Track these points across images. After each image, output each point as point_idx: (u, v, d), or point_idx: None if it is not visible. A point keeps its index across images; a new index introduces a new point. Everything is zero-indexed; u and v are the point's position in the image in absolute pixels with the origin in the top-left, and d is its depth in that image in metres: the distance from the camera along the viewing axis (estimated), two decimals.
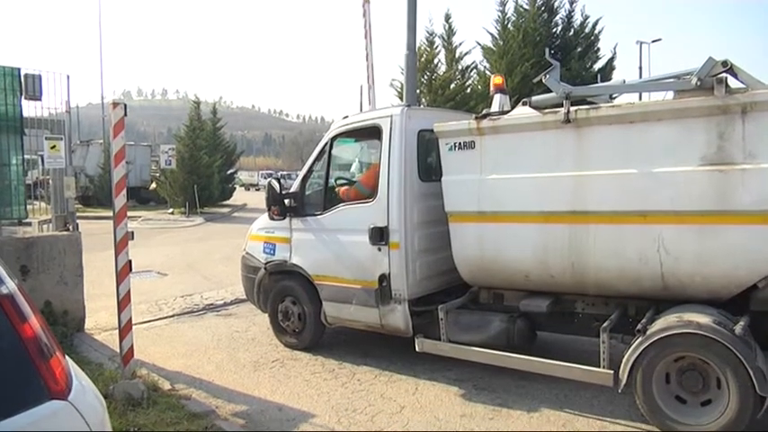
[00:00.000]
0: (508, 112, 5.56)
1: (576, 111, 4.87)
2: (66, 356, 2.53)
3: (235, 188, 35.45)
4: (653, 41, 35.84)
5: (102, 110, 33.13)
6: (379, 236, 5.81)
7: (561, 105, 4.99)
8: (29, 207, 7.95)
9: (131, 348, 5.26)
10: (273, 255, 6.87)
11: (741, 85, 4.44)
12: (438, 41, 15.82)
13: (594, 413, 4.92)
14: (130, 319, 5.29)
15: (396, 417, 4.96)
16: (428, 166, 6.16)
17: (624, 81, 6.29)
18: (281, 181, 6.96)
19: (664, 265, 4.62)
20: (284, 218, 6.70)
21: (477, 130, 5.41)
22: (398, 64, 12.98)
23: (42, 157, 7.48)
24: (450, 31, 15.80)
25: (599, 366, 4.76)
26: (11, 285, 2.32)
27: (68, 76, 7.64)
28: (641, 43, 35.06)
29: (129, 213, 5.53)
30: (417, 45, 11.66)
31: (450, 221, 5.70)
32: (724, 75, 4.36)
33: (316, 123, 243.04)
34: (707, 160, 4.35)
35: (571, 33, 15.49)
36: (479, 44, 15.97)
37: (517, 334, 5.49)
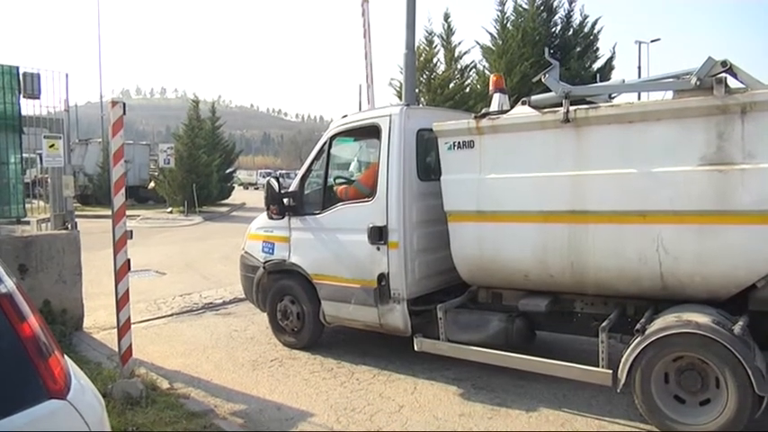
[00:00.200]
0: (507, 111, 5.56)
1: (575, 110, 4.87)
2: (65, 355, 2.53)
3: (233, 187, 35.46)
4: (652, 41, 35.99)
5: (101, 108, 33.12)
6: (378, 235, 5.80)
7: (560, 105, 4.99)
8: (27, 206, 7.95)
9: (130, 347, 5.25)
10: (272, 254, 6.87)
11: (740, 85, 4.44)
12: (437, 41, 15.85)
13: (593, 413, 4.92)
14: (129, 318, 5.28)
15: (394, 416, 4.96)
16: (427, 165, 6.16)
17: (623, 81, 6.29)
18: (280, 180, 6.95)
19: (663, 265, 4.62)
20: (283, 217, 6.70)
21: (476, 129, 5.41)
22: (397, 63, 13.01)
23: (41, 155, 7.47)
24: (450, 31, 15.82)
25: (598, 366, 4.76)
26: (9, 284, 2.32)
27: (67, 75, 7.64)
28: (640, 43, 35.19)
29: (128, 212, 5.52)
30: (416, 44, 11.65)
31: (450, 221, 5.70)
32: (723, 75, 4.37)
33: (314, 122, 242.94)
34: (706, 160, 4.35)
35: (570, 33, 15.49)
36: (478, 43, 15.99)
37: (516, 333, 5.49)
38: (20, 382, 2.16)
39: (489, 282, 5.79)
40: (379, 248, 5.85)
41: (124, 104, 5.25)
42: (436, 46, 15.80)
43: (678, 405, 4.40)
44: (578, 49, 15.26)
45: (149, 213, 25.38)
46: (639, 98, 7.51)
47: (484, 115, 5.50)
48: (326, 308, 6.40)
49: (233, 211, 28.50)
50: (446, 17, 15.88)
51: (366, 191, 6.19)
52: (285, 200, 6.68)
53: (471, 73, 16.06)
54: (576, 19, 15.57)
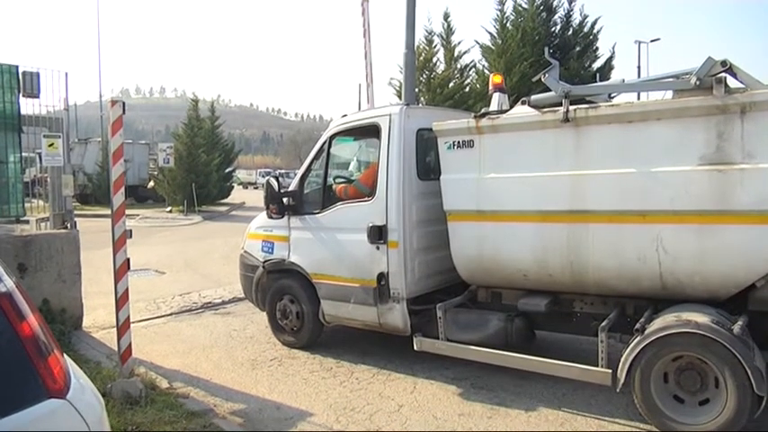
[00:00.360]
0: (507, 111, 5.56)
1: (575, 110, 4.87)
2: (65, 355, 2.52)
3: (233, 186, 35.43)
4: (651, 41, 36.00)
5: (101, 108, 33.11)
6: (378, 234, 5.80)
7: (560, 104, 4.99)
8: (27, 205, 7.95)
9: (129, 347, 5.24)
10: (272, 253, 6.87)
11: (740, 85, 4.45)
12: (437, 40, 15.85)
13: (592, 412, 4.92)
14: (128, 317, 5.28)
15: (394, 415, 4.97)
16: (427, 164, 6.16)
17: (623, 80, 6.29)
18: (280, 179, 6.95)
19: (662, 265, 4.62)
20: (282, 216, 6.69)
21: (476, 129, 5.41)
22: (397, 63, 13.00)
23: (40, 154, 7.45)
24: (449, 30, 15.81)
25: (597, 366, 4.77)
26: (9, 283, 2.32)
27: (67, 74, 7.63)
28: (640, 43, 35.18)
29: (127, 211, 5.53)
30: (416, 44, 11.65)
31: (449, 220, 5.70)
32: (723, 74, 4.37)
33: (314, 122, 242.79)
34: (706, 160, 4.36)
35: (570, 33, 15.49)
36: (478, 43, 15.98)
37: (515, 333, 5.49)
38: (19, 381, 2.16)
39: (489, 281, 5.79)
40: (378, 248, 5.85)
41: (123, 104, 5.25)
42: (436, 45, 15.81)
43: (677, 405, 4.40)
44: (578, 48, 15.27)
45: (149, 212, 25.36)
46: (639, 98, 7.52)
47: (483, 115, 5.50)
48: (326, 307, 6.40)
49: (232, 211, 28.49)
50: (446, 17, 15.89)
51: (366, 190, 6.19)
52: (285, 199, 6.68)
53: (471, 72, 16.07)
54: (576, 19, 15.59)
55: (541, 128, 5.11)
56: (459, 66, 15.87)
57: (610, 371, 4.66)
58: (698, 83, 4.40)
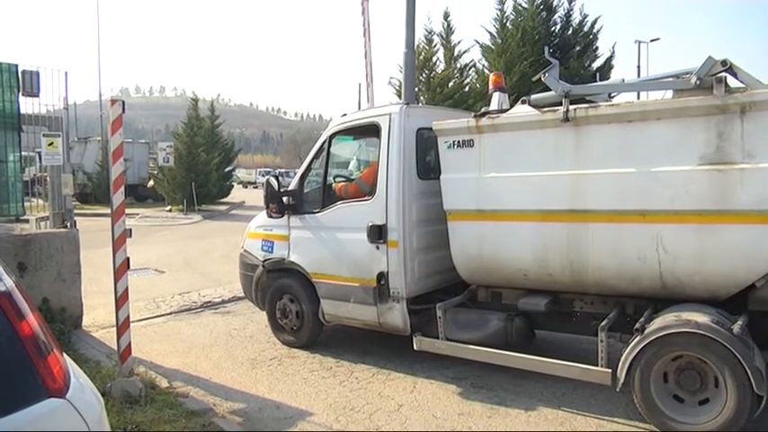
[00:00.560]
0: (507, 110, 5.55)
1: (575, 109, 4.87)
2: (64, 354, 2.52)
3: (233, 186, 35.42)
4: (651, 41, 35.99)
5: (100, 107, 33.07)
6: (378, 234, 5.80)
7: (560, 104, 4.99)
8: (26, 204, 7.95)
9: (129, 346, 5.24)
10: (271, 252, 6.87)
11: (740, 85, 4.44)
12: (437, 39, 15.82)
13: (592, 412, 4.92)
14: (128, 316, 5.28)
15: (394, 415, 4.96)
16: (427, 164, 6.16)
17: (623, 80, 6.28)
18: (280, 179, 6.95)
19: (662, 265, 4.62)
20: (282, 215, 6.69)
21: (475, 128, 5.41)
22: (397, 62, 12.99)
23: (40, 153, 7.45)
24: (449, 30, 15.79)
25: (597, 365, 4.77)
26: (8, 283, 2.32)
27: (66, 73, 7.63)
28: (639, 42, 35.17)
29: (127, 211, 5.52)
30: (416, 43, 11.64)
31: (449, 220, 5.70)
32: (723, 74, 4.37)
33: (314, 121, 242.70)
34: (706, 160, 4.36)
35: (570, 32, 15.48)
36: (478, 42, 15.96)
37: (515, 332, 5.49)
38: (19, 380, 2.16)
39: (489, 281, 5.79)
40: (378, 247, 5.85)
41: (123, 103, 5.24)
42: (436, 45, 15.79)
43: (677, 404, 4.40)
44: (578, 48, 15.25)
45: (148, 212, 25.36)
46: (639, 97, 7.53)
47: (483, 114, 5.50)
48: (326, 306, 6.40)
49: (232, 210, 28.48)
50: (446, 16, 15.87)
51: (367, 188, 6.18)
52: (284, 198, 6.67)
53: (471, 72, 16.04)
54: (576, 18, 15.57)
55: (541, 127, 5.10)
56: (458, 65, 15.86)
57: (609, 370, 4.67)
58: (698, 82, 4.40)
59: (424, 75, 15.30)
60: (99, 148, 30.06)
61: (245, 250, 7.31)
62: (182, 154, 26.51)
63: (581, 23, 15.51)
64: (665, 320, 4.43)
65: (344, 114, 6.71)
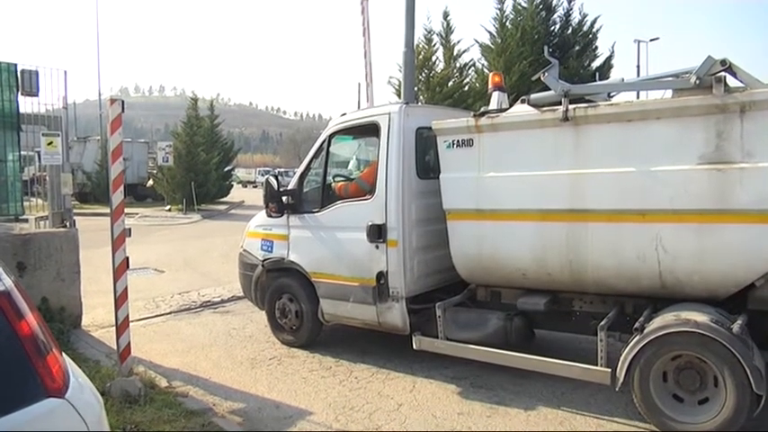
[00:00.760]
0: (506, 109, 5.55)
1: (574, 109, 4.87)
2: (63, 354, 2.52)
3: (232, 185, 35.40)
4: (651, 40, 35.94)
5: (100, 106, 33.04)
6: (377, 233, 5.80)
7: (560, 103, 4.98)
8: (26, 203, 7.94)
9: (128, 345, 5.24)
10: (271, 252, 6.86)
11: (740, 84, 4.44)
12: (436, 39, 15.81)
13: (592, 411, 4.92)
14: (127, 316, 5.28)
15: (393, 414, 4.96)
16: (426, 163, 6.15)
17: (622, 79, 6.28)
18: (279, 178, 6.94)
19: (662, 264, 4.62)
20: (282, 215, 6.68)
21: (475, 127, 5.40)
22: (396, 61, 12.97)
23: (39, 153, 7.44)
24: (449, 29, 15.78)
25: (596, 365, 4.76)
26: (8, 282, 2.32)
27: (66, 72, 7.62)
28: (639, 42, 35.13)
29: (127, 210, 5.52)
30: (415, 42, 11.63)
31: (448, 219, 5.70)
32: (723, 74, 4.37)
33: (313, 121, 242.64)
34: (705, 159, 4.36)
35: (569, 31, 15.48)
36: (477, 42, 15.96)
37: (515, 332, 5.49)
38: (18, 380, 2.16)
39: (488, 280, 5.79)
40: (377, 247, 5.85)
41: (123, 102, 5.24)
42: (435, 44, 15.78)
43: (677, 404, 4.40)
44: (577, 47, 15.26)
45: (148, 211, 25.36)
46: (638, 97, 7.52)
47: (483, 114, 5.50)
48: (325, 306, 6.40)
49: (231, 209, 28.48)
50: (445, 15, 15.86)
51: (367, 187, 6.17)
52: (284, 198, 6.67)
53: (470, 71, 16.03)
54: (575, 18, 15.58)
55: (541, 127, 5.10)
56: (458, 64, 15.85)
57: (609, 370, 4.66)
58: (697, 82, 4.40)
59: (423, 74, 15.29)
60: (98, 148, 30.06)
61: (244, 250, 7.31)
62: (181, 153, 26.50)
63: (580, 23, 15.52)
64: (665, 320, 4.43)
65: (344, 114, 6.71)
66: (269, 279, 6.97)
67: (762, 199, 4.20)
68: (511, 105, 5.77)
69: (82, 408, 2.25)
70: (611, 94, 6.00)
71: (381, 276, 5.84)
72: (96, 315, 7.88)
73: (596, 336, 4.78)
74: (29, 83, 7.14)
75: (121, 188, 5.17)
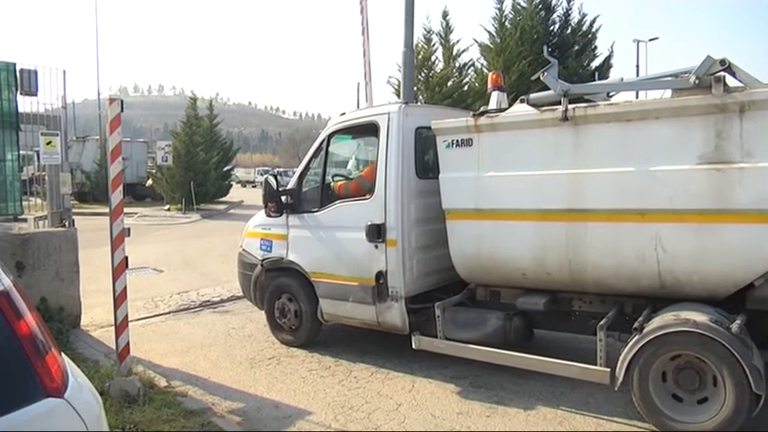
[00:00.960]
0: (506, 109, 5.56)
1: (573, 108, 4.87)
2: (62, 353, 2.52)
3: (231, 185, 35.38)
4: (650, 40, 35.93)
5: (99, 106, 33.02)
6: (377, 233, 5.80)
7: (559, 103, 4.99)
8: (24, 203, 7.94)
9: (127, 345, 5.24)
10: (270, 252, 6.86)
11: (739, 84, 4.44)
12: (435, 39, 15.80)
13: (591, 411, 4.92)
14: (126, 315, 5.28)
15: (392, 414, 4.96)
16: (425, 163, 6.15)
17: (622, 79, 6.29)
18: (278, 178, 6.94)
19: (661, 264, 4.62)
20: (281, 215, 6.68)
21: (474, 127, 5.40)
22: (396, 61, 12.97)
23: (38, 152, 7.44)
24: (448, 29, 15.77)
25: (596, 364, 4.77)
26: (6, 282, 2.31)
27: (65, 72, 7.62)
28: (638, 42, 35.14)
29: (126, 210, 5.52)
30: (415, 42, 11.61)
31: (448, 219, 5.70)
32: (722, 73, 4.37)
33: (312, 120, 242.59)
34: (705, 159, 4.36)
35: (568, 31, 15.46)
36: (477, 41, 15.95)
37: (514, 331, 5.49)
38: (17, 380, 2.16)
39: (487, 280, 5.79)
40: (377, 246, 5.84)
41: (122, 102, 5.24)
42: (434, 44, 15.77)
43: (676, 403, 4.40)
44: (576, 47, 15.23)
45: (147, 211, 25.37)
46: (638, 97, 7.52)
47: (482, 113, 5.50)
48: (324, 306, 6.40)
49: (231, 209, 28.47)
50: (444, 15, 15.84)
51: (368, 185, 6.17)
52: (283, 197, 6.66)
53: (469, 71, 16.01)
54: (575, 17, 15.54)
55: (540, 126, 5.10)
56: (457, 64, 15.83)
57: (608, 369, 4.67)
58: (697, 82, 4.40)
59: (422, 74, 15.28)
60: (97, 147, 30.07)
61: (243, 249, 7.30)
62: (180, 153, 26.48)
63: (580, 23, 15.49)
64: (664, 320, 4.43)
65: (343, 113, 6.71)
66: (268, 279, 6.97)
67: (761, 199, 4.20)
68: (510, 105, 5.77)
69: (81, 407, 2.25)
70: (611, 94, 6.00)
71: (380, 276, 5.84)
72: (95, 315, 7.88)
73: (595, 335, 4.78)
74: (28, 82, 7.14)
75: (120, 188, 5.17)
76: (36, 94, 7.30)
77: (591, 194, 4.87)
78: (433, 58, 15.68)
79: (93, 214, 21.19)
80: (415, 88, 12.53)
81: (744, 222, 4.29)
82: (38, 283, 6.82)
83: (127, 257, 5.20)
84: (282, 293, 6.79)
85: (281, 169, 46.46)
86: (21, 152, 7.64)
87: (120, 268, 5.17)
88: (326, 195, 6.53)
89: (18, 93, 7.18)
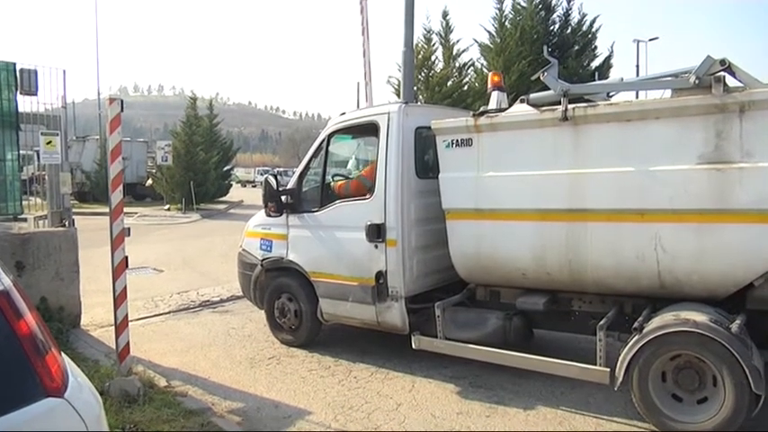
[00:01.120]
0: (505, 109, 5.56)
1: (573, 108, 4.87)
2: (62, 353, 2.52)
3: (231, 185, 35.37)
4: (650, 40, 35.92)
5: (99, 106, 33.02)
6: (376, 233, 5.80)
7: (559, 103, 4.99)
8: (24, 203, 7.94)
9: (127, 345, 5.24)
10: (270, 251, 6.86)
11: (739, 84, 4.44)
12: (435, 38, 15.80)
13: (591, 411, 4.92)
14: (126, 315, 5.28)
15: (392, 414, 4.96)
16: (425, 163, 6.15)
17: (622, 79, 6.29)
18: (278, 177, 6.94)
19: (661, 264, 4.63)
20: (281, 214, 6.68)
21: (474, 127, 5.41)
22: (396, 61, 12.97)
23: (38, 152, 7.44)
24: (448, 29, 15.77)
25: (595, 364, 4.77)
26: (6, 282, 2.32)
27: (65, 72, 7.62)
28: (638, 42, 35.14)
29: (126, 209, 5.52)
30: (415, 42, 11.61)
31: (448, 219, 5.70)
32: (722, 73, 4.37)
33: (312, 120, 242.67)
34: (704, 159, 4.36)
35: (569, 31, 15.46)
36: (477, 41, 15.95)
37: (514, 331, 5.49)
38: (17, 379, 2.16)
39: (487, 280, 5.79)
40: (376, 246, 5.84)
41: (122, 101, 5.24)
42: (434, 44, 15.77)
43: (675, 403, 4.41)
44: (576, 47, 15.24)
45: (147, 211, 25.37)
46: (638, 97, 7.52)
47: (482, 113, 5.50)
48: (324, 305, 6.40)
49: (231, 209, 28.47)
50: (444, 15, 15.84)
51: (369, 184, 6.17)
52: (283, 197, 6.66)
53: (469, 71, 16.02)
54: (575, 17, 15.54)
55: (540, 126, 5.10)
56: (457, 64, 15.84)
57: (608, 369, 4.67)
58: (697, 82, 4.40)
59: (422, 74, 15.28)
60: (97, 147, 30.07)
61: (243, 249, 7.31)
62: (180, 153, 26.48)
63: (580, 22, 15.49)
64: (664, 319, 4.43)
65: (343, 113, 6.71)
66: (268, 278, 6.97)
67: (761, 199, 4.20)
68: (510, 105, 5.77)
69: (81, 407, 2.25)
70: (611, 94, 6.00)
71: (380, 276, 5.84)
72: (95, 314, 7.88)
73: (595, 335, 4.78)
74: (28, 82, 7.14)
75: (120, 187, 5.17)
76: (36, 94, 7.30)
77: (591, 194, 4.87)
78: (432, 57, 15.69)
79: (93, 214, 21.18)
80: (415, 88, 12.53)
81: (743, 222, 4.29)
82: (38, 282, 6.82)
83: (127, 257, 5.20)
84: (282, 293, 6.79)
85: (281, 169, 46.49)
86: (21, 152, 7.65)
87: (120, 268, 5.17)
88: (326, 195, 6.53)
89: (18, 92, 7.18)
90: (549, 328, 5.82)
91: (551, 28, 15.44)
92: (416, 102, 12.29)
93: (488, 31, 15.75)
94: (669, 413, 4.37)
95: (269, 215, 6.80)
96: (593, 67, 14.90)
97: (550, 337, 6.21)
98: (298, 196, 6.70)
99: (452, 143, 5.55)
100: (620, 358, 4.52)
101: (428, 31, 15.71)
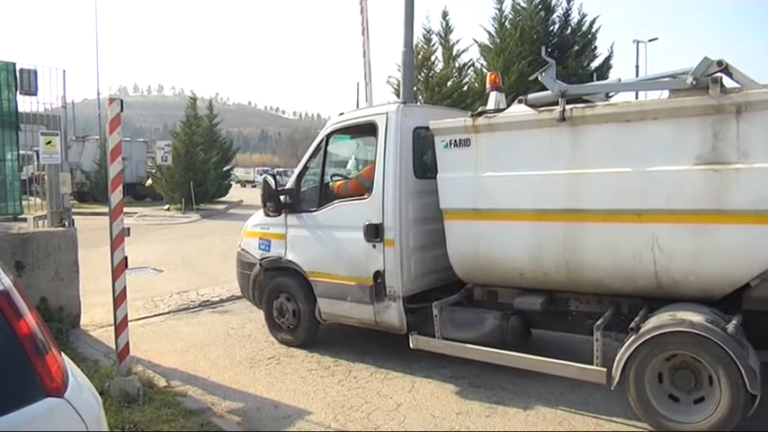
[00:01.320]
0: (504, 109, 5.57)
1: (571, 109, 4.88)
2: (62, 353, 2.53)
3: (231, 185, 35.36)
4: (649, 40, 35.98)
5: (99, 106, 33.02)
6: (374, 233, 5.81)
7: (557, 103, 5.00)
8: (24, 203, 7.94)
9: (127, 345, 5.25)
10: (269, 251, 6.88)
11: (736, 85, 4.45)
12: (435, 39, 15.82)
13: (590, 411, 4.94)
14: (126, 315, 5.29)
15: (392, 414, 4.98)
16: (423, 163, 6.17)
17: (620, 80, 6.29)
18: (277, 177, 6.95)
19: (658, 264, 4.64)
20: (279, 214, 6.69)
21: (472, 127, 5.42)
22: (395, 61, 12.98)
23: (38, 152, 7.45)
24: (448, 29, 15.78)
25: (592, 364, 4.78)
26: (6, 282, 2.33)
27: (64, 72, 7.63)
28: (638, 42, 35.15)
29: (125, 209, 5.53)
30: (414, 42, 11.63)
31: (446, 219, 5.71)
32: (719, 74, 4.38)
33: (312, 120, 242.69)
34: (702, 159, 4.37)
35: (568, 32, 15.47)
36: (476, 42, 15.96)
37: (511, 331, 5.50)
38: (17, 379, 2.17)
39: (485, 280, 5.80)
40: (375, 246, 5.86)
41: (122, 101, 5.25)
42: (434, 44, 15.78)
43: (672, 403, 4.42)
44: (576, 47, 15.24)
45: (147, 211, 25.37)
46: (636, 97, 7.53)
47: (480, 113, 5.51)
48: (322, 305, 6.41)
49: (230, 209, 28.46)
50: (444, 15, 15.85)
51: (367, 184, 6.18)
52: (282, 197, 6.68)
53: (469, 71, 16.02)
54: (574, 18, 15.55)
55: (538, 127, 5.12)
56: (457, 64, 15.85)
57: (605, 369, 4.68)
58: (694, 83, 4.41)
59: (422, 74, 15.29)
60: (97, 147, 30.06)
61: (242, 249, 7.32)
62: (180, 153, 26.47)
63: (579, 23, 15.50)
64: (660, 320, 4.45)
65: (342, 113, 6.73)
66: (266, 278, 6.98)
67: (758, 199, 4.22)
68: (508, 105, 5.78)
69: (81, 407, 2.26)
70: (609, 95, 6.01)
71: (378, 276, 5.85)
72: (95, 314, 7.89)
73: (592, 335, 4.80)
74: (27, 82, 7.15)
75: (120, 187, 5.19)
76: (36, 94, 7.31)
77: (588, 195, 4.89)
78: (432, 58, 15.70)
79: (92, 214, 21.17)
80: (414, 88, 12.55)
81: (740, 223, 4.30)
82: (37, 282, 6.83)
83: (126, 257, 5.21)
84: (281, 293, 6.80)
85: (281, 169, 46.45)
86: (20, 152, 7.66)
87: (119, 268, 5.18)
88: (325, 195, 6.54)
89: (18, 92, 7.18)
90: (547, 327, 5.83)
91: (551, 28, 15.45)
92: (416, 102, 12.31)
93: (488, 32, 15.77)
94: (665, 413, 4.39)
95: (267, 215, 6.81)
96: (593, 68, 14.90)
97: (548, 336, 6.22)
98: (296, 196, 6.71)
99: (450, 143, 5.57)
100: (617, 358, 4.54)
101: (428, 32, 15.73)
